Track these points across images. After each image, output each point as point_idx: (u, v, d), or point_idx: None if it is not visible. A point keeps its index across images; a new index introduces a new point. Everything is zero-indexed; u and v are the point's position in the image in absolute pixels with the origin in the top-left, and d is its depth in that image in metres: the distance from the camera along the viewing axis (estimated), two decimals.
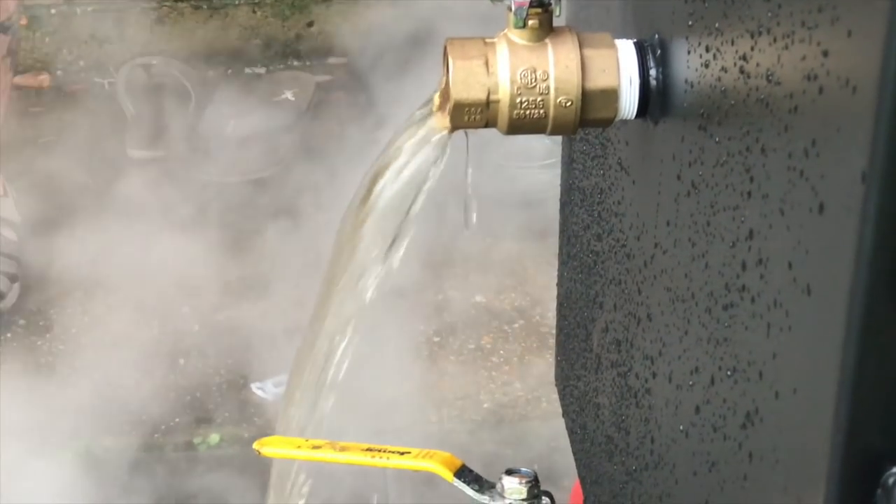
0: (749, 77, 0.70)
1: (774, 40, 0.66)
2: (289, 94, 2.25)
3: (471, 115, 0.88)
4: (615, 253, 1.04)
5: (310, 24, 2.45)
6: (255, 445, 0.92)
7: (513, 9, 0.87)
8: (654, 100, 0.88)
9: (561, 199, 1.30)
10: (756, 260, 0.70)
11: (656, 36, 0.88)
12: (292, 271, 1.90)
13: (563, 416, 1.36)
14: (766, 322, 0.69)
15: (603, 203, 1.08)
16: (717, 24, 0.76)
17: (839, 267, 0.60)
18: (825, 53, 0.60)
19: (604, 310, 1.10)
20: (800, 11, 0.63)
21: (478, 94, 0.87)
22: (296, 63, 2.39)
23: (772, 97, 0.67)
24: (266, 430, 1.65)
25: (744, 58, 0.71)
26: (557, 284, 1.34)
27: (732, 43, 0.73)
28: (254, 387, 1.70)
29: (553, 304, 1.80)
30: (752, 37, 0.69)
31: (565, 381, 1.32)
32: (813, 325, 0.63)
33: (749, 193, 0.71)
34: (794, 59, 0.64)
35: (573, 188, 1.22)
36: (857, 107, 0.57)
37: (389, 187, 0.91)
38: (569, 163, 1.25)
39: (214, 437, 1.66)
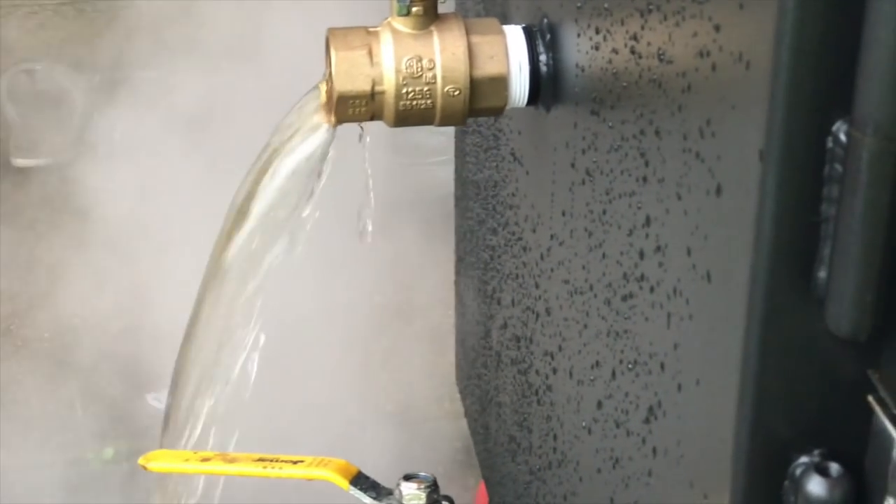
0: (640, 57, 0.68)
1: (665, 17, 0.64)
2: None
3: (355, 108, 0.84)
4: (511, 247, 1.01)
5: None
6: (141, 461, 0.87)
7: None
8: (545, 86, 0.85)
9: (455, 194, 1.27)
10: (654, 247, 0.68)
11: (545, 20, 0.85)
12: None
13: (465, 416, 1.33)
14: (667, 312, 0.67)
15: (497, 196, 1.05)
16: (605, 5, 0.73)
17: (738, 251, 0.57)
18: (717, 28, 0.58)
19: (502, 306, 1.07)
20: None
21: (362, 86, 0.84)
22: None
23: (664, 77, 0.65)
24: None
25: (634, 38, 0.68)
26: (455, 282, 1.32)
27: (622, 23, 0.70)
28: (150, 398, 1.65)
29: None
30: (642, 15, 0.67)
31: (466, 380, 1.29)
32: (714, 313, 0.61)
33: (645, 178, 0.69)
34: (686, 36, 0.61)
35: (467, 182, 1.19)
36: (752, 83, 0.54)
37: (274, 186, 0.87)
38: (462, 156, 1.22)
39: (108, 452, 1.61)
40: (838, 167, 0.53)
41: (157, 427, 1.66)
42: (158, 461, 0.87)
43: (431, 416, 1.61)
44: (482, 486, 1.42)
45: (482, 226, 1.13)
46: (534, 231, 0.94)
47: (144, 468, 0.87)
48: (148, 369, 1.71)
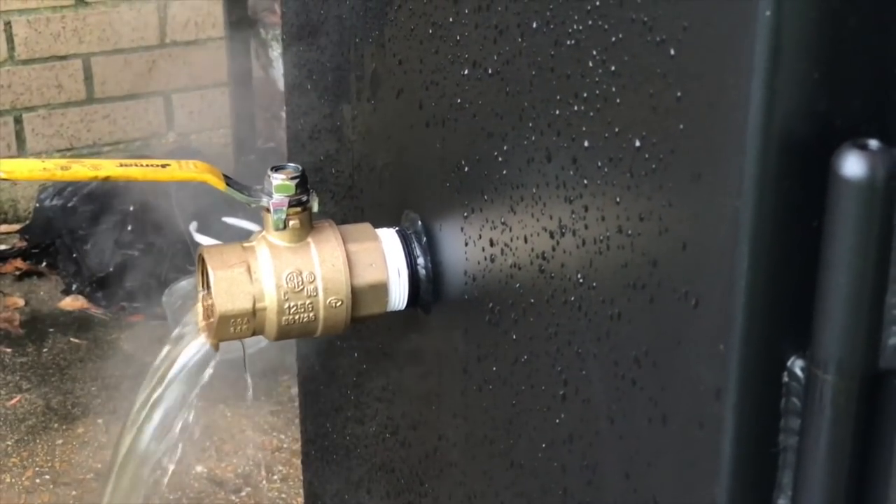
0: (552, 277, 0.68)
1: (583, 243, 0.64)
2: None
3: (237, 327, 0.82)
4: (383, 440, 1.00)
5: None
6: None
7: (271, 210, 0.83)
8: (424, 289, 0.85)
9: (299, 375, 1.25)
10: (581, 465, 0.68)
11: (419, 223, 0.85)
12: None
13: None
14: None
15: (361, 386, 1.04)
16: (502, 220, 0.73)
17: (694, 481, 0.58)
18: (654, 263, 0.58)
19: (372, 496, 1.05)
20: (614, 218, 0.61)
21: (243, 304, 0.82)
22: None
23: (585, 301, 0.65)
24: None
25: (543, 257, 0.69)
26: (302, 462, 1.29)
27: (526, 240, 0.70)
28: None
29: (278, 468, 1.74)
30: (553, 237, 0.67)
31: None
32: None
33: (564, 396, 0.68)
34: (613, 266, 0.62)
35: (313, 366, 1.17)
36: (702, 322, 0.55)
37: (158, 412, 0.85)
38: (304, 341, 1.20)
39: None
40: (796, 401, 0.54)
41: None
42: (12, 168, 0.78)
43: None
44: None
45: (340, 412, 1.11)
46: (414, 429, 0.92)
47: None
48: None
